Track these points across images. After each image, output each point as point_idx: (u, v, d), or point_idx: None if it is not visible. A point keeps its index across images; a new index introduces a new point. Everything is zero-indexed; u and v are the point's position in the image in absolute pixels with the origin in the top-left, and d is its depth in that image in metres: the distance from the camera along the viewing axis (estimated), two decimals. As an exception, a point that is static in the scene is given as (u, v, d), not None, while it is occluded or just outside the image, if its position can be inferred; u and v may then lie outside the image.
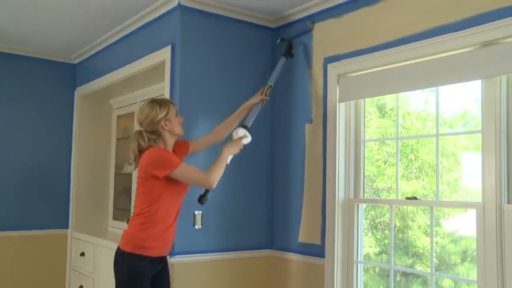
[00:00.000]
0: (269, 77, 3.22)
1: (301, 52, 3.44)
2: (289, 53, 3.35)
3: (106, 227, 4.90)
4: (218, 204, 3.35)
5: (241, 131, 2.84)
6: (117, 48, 4.14)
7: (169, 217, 2.62)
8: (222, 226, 3.36)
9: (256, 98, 3.05)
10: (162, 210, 2.58)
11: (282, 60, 3.31)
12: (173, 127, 2.69)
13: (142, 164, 2.60)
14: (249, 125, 2.90)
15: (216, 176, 2.61)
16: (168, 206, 2.60)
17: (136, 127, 2.81)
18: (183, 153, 2.85)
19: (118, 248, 2.63)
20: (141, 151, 2.63)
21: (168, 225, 2.62)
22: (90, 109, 4.89)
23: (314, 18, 3.35)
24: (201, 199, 2.79)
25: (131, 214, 2.70)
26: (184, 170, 2.55)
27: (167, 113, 2.66)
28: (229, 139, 2.91)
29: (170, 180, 2.56)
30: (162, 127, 2.65)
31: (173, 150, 2.78)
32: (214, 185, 2.60)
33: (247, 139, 2.85)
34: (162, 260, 2.70)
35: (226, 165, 2.73)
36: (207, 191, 2.80)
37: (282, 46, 3.44)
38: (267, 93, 3.05)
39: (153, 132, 2.65)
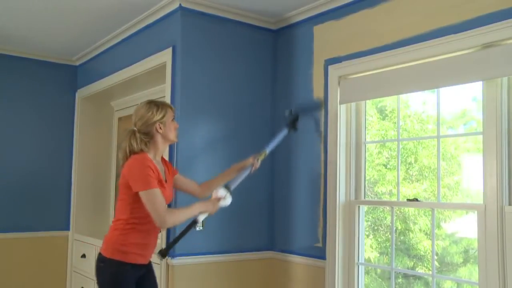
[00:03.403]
0: (267, 143, 3.04)
1: (302, 53, 3.44)
2: (293, 126, 3.16)
3: (107, 229, 4.82)
4: (219, 206, 3.35)
5: (222, 192, 2.64)
6: (118, 50, 4.15)
7: (148, 225, 2.52)
8: (224, 227, 3.36)
9: (246, 162, 2.87)
10: (141, 218, 2.51)
11: (284, 131, 3.11)
12: (167, 131, 2.60)
13: (124, 169, 2.52)
14: (231, 188, 2.69)
15: (173, 221, 2.47)
16: (147, 215, 2.47)
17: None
18: (172, 174, 2.76)
19: (100, 254, 2.58)
20: (131, 151, 2.54)
21: (147, 232, 2.55)
22: (91, 111, 4.89)
23: (315, 20, 3.36)
24: (163, 251, 2.57)
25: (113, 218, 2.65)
26: (152, 195, 2.41)
27: (163, 116, 2.58)
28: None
29: None
30: (156, 130, 2.57)
31: (166, 166, 2.71)
32: (165, 228, 2.38)
33: (226, 201, 2.64)
34: (145, 265, 2.62)
35: (197, 225, 2.56)
36: (171, 243, 2.65)
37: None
38: (259, 160, 2.89)
39: (147, 134, 2.56)
